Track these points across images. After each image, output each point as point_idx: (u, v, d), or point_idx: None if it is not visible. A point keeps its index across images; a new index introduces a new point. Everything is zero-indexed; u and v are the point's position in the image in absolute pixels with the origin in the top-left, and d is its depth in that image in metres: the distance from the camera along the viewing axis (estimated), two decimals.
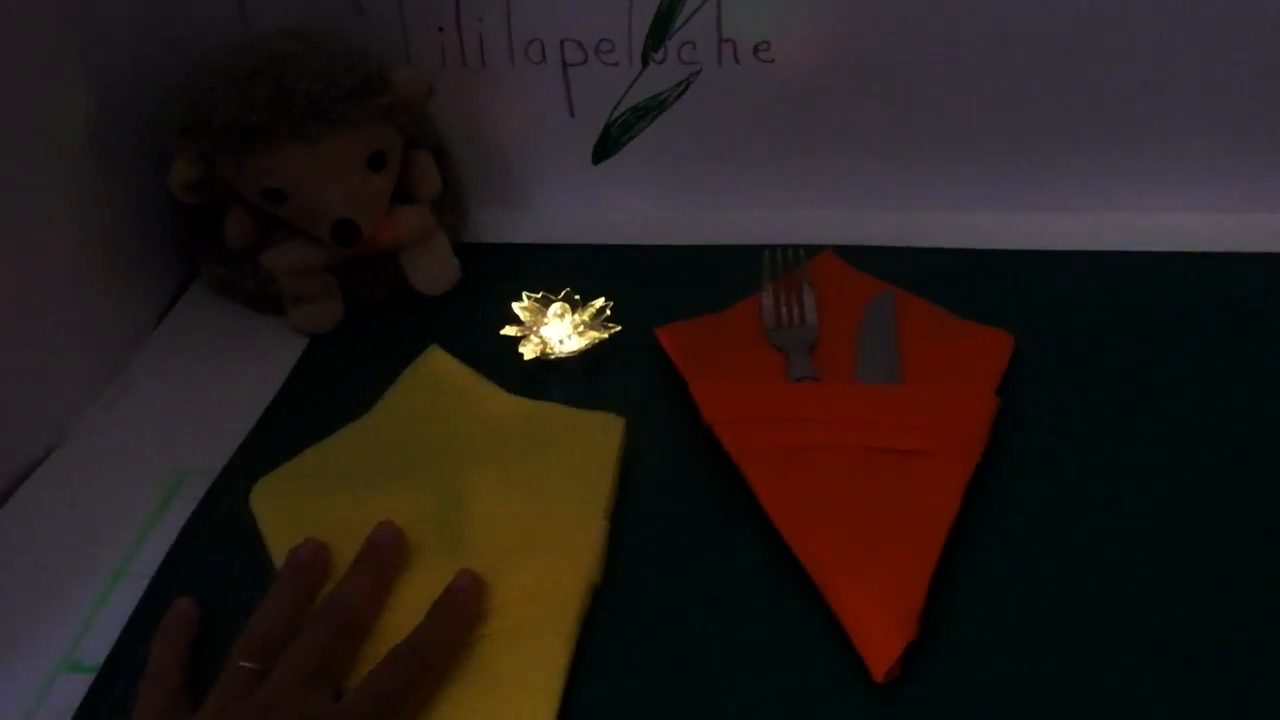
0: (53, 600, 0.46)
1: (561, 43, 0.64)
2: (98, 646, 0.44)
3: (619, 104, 0.66)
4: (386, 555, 0.45)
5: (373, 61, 0.57)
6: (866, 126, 0.64)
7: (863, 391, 0.52)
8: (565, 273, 0.61)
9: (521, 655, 0.42)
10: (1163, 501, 0.47)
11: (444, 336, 0.58)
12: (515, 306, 0.57)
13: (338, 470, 0.50)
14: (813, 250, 0.62)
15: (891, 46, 0.61)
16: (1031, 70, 0.61)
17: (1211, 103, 0.61)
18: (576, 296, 0.57)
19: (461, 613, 0.43)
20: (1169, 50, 0.60)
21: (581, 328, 0.56)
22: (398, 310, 0.61)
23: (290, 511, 0.49)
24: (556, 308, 0.56)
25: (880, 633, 0.41)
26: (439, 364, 0.55)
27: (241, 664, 0.40)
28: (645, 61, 0.64)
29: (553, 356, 0.55)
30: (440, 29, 0.64)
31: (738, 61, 0.63)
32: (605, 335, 0.56)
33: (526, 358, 0.55)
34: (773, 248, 0.62)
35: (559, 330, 0.56)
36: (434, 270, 0.62)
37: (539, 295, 0.57)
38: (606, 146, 0.68)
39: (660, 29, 0.63)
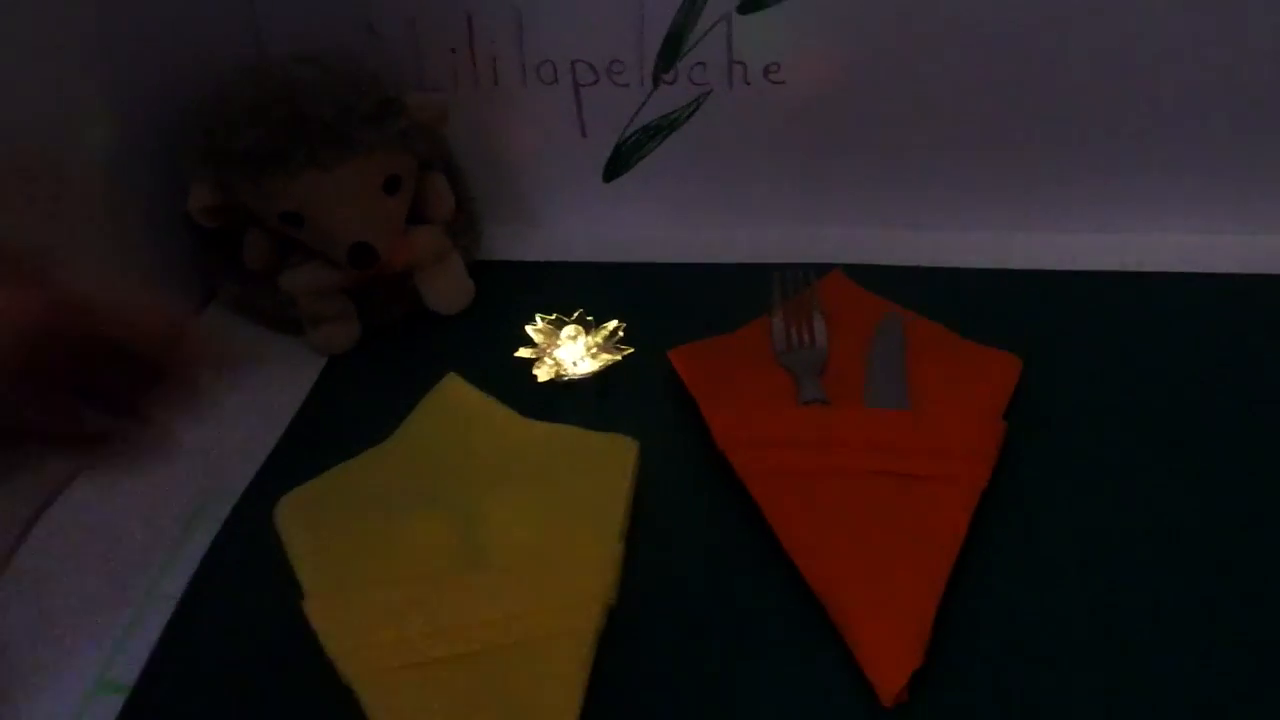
0: (86, 622, 0.48)
1: (573, 63, 0.65)
2: (131, 666, 0.45)
3: (630, 124, 0.67)
4: None
5: (387, 86, 0.59)
6: (875, 147, 0.65)
7: (871, 416, 0.53)
8: (577, 291, 0.62)
9: (539, 673, 0.43)
10: (1169, 524, 0.48)
11: (459, 356, 0.59)
12: (529, 329, 0.58)
13: (359, 491, 0.52)
14: (822, 269, 0.63)
15: (899, 69, 0.62)
16: (1038, 94, 0.62)
17: (1220, 125, 0.62)
18: (589, 318, 0.58)
19: None
20: (1172, 75, 0.61)
21: (595, 350, 0.57)
22: (413, 330, 0.63)
23: (313, 529, 0.50)
24: (570, 330, 0.57)
25: (888, 658, 0.42)
26: (457, 391, 0.57)
27: None
28: (656, 82, 0.65)
29: (566, 378, 0.56)
30: (453, 50, 0.66)
31: (748, 83, 0.64)
32: (618, 357, 0.57)
33: (541, 380, 0.56)
34: (782, 269, 0.63)
35: (572, 353, 0.57)
36: (448, 290, 0.63)
37: (552, 317, 0.58)
38: (617, 165, 0.69)
39: (671, 50, 0.64)
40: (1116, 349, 0.58)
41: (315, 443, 0.56)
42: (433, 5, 0.64)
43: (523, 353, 0.57)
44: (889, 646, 0.43)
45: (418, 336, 0.62)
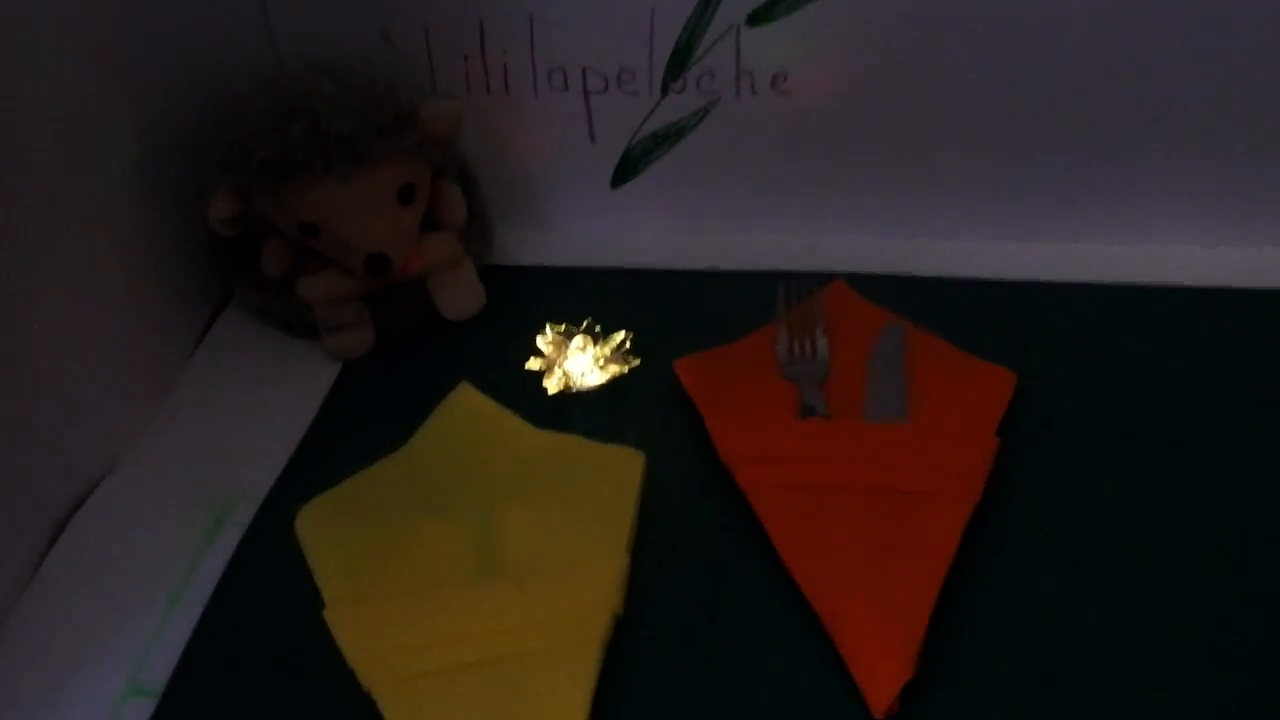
0: (114, 627, 0.50)
1: (584, 71, 0.66)
2: (159, 671, 0.48)
3: (639, 131, 0.68)
4: None
5: (403, 98, 0.60)
6: (880, 157, 0.66)
7: (869, 432, 0.54)
8: (585, 297, 0.64)
9: (549, 680, 0.46)
10: (1162, 540, 0.50)
11: (470, 362, 0.61)
12: (539, 341, 0.59)
13: (376, 500, 0.54)
14: (825, 278, 0.65)
15: (903, 83, 0.63)
16: (1041, 106, 0.63)
17: (1221, 139, 0.63)
18: (598, 328, 0.60)
19: None
20: (1175, 88, 0.62)
21: (602, 361, 0.58)
22: (426, 336, 0.64)
23: (333, 538, 0.52)
24: (578, 341, 0.59)
25: (880, 669, 0.44)
26: (469, 400, 0.59)
27: None
28: (665, 91, 0.66)
29: (575, 389, 0.58)
30: (466, 58, 0.67)
31: (755, 93, 0.65)
32: (625, 369, 0.59)
33: (551, 392, 0.58)
34: (786, 279, 0.64)
35: (581, 364, 0.58)
36: (460, 297, 0.65)
37: (561, 328, 0.60)
38: (626, 171, 0.70)
39: (680, 60, 0.65)
40: (1114, 362, 0.59)
41: (332, 446, 0.58)
42: (446, 13, 0.65)
43: (532, 364, 0.59)
44: (881, 658, 0.45)
45: (430, 342, 0.64)
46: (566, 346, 0.59)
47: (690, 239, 0.70)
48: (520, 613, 0.48)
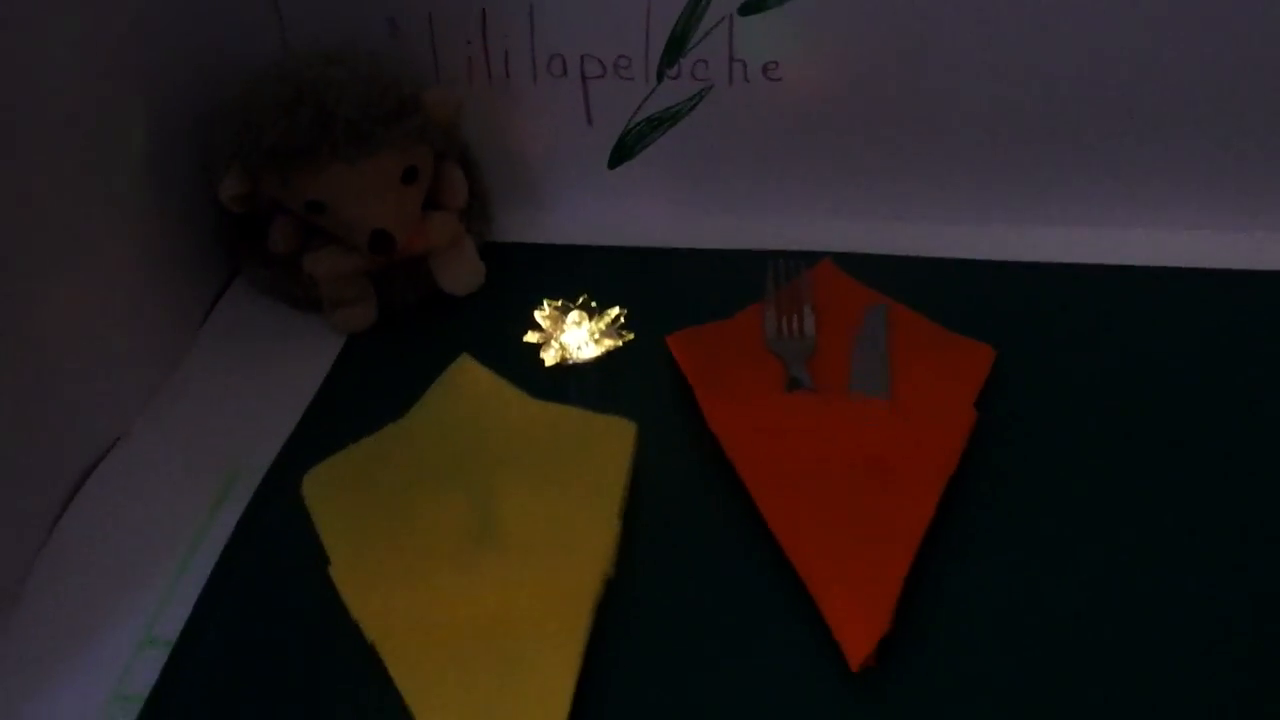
0: (129, 582, 0.52)
1: (582, 58, 0.68)
2: (173, 623, 0.50)
3: (635, 116, 0.70)
4: None
5: (406, 85, 0.62)
6: (866, 142, 0.69)
7: (852, 406, 0.57)
8: (582, 274, 0.66)
9: (543, 636, 0.48)
10: (1129, 500, 0.53)
11: (471, 336, 0.63)
12: (536, 315, 0.62)
13: (379, 467, 0.56)
14: (813, 257, 0.67)
15: (888, 73, 0.66)
16: (1025, 91, 0.65)
17: (1195, 121, 0.65)
18: (593, 304, 0.62)
19: None
20: (1157, 70, 0.64)
21: (597, 335, 0.61)
22: (427, 311, 0.67)
23: (339, 500, 0.55)
24: (574, 315, 0.61)
25: (857, 626, 0.47)
26: (469, 372, 0.61)
27: None
28: (660, 77, 0.68)
29: (571, 362, 0.61)
30: (468, 42, 0.69)
31: (747, 80, 0.67)
32: (619, 343, 0.61)
33: (548, 364, 0.60)
34: (775, 258, 0.66)
35: (577, 337, 0.61)
36: (461, 273, 0.67)
37: (559, 303, 0.62)
38: (622, 153, 0.72)
39: (675, 48, 0.67)
40: (1088, 340, 0.62)
41: (336, 416, 0.60)
42: (449, 2, 0.67)
43: (530, 337, 0.61)
44: (858, 616, 0.47)
45: (432, 317, 0.66)
46: (563, 321, 0.61)
47: (683, 219, 0.72)
48: (516, 572, 0.50)
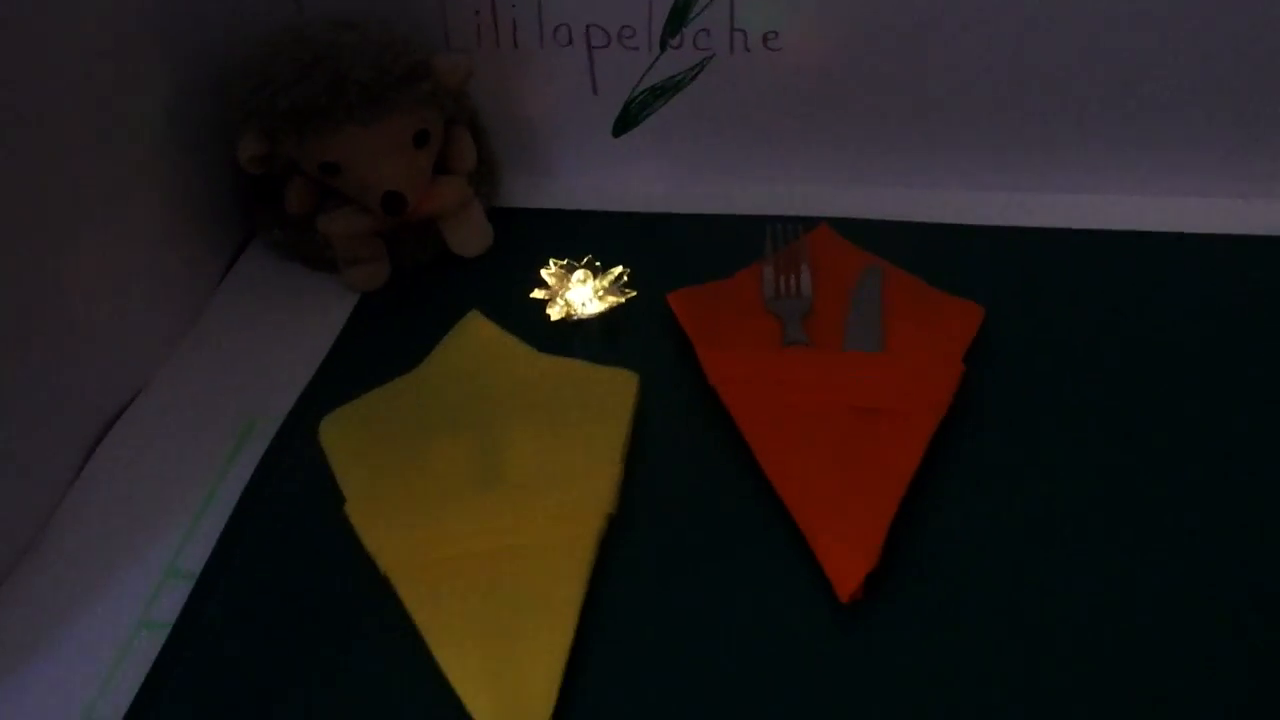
0: (152, 521, 0.55)
1: (587, 28, 0.71)
2: (196, 557, 0.53)
3: (638, 84, 0.72)
4: None
5: (418, 50, 0.64)
6: (862, 110, 0.71)
7: (846, 358, 0.59)
8: (587, 237, 0.68)
9: (548, 568, 0.50)
10: (1106, 453, 0.55)
11: (479, 295, 0.66)
12: (543, 273, 0.64)
13: (393, 414, 0.58)
14: (810, 222, 0.69)
15: (885, 43, 0.68)
16: (1022, 58, 0.67)
17: (1191, 89, 0.67)
18: (597, 263, 0.65)
19: None
20: (1155, 38, 0.66)
21: (601, 292, 0.63)
22: (437, 271, 0.69)
23: (353, 444, 0.57)
24: (579, 274, 0.64)
25: (846, 561, 0.49)
26: (478, 326, 0.63)
27: None
28: (663, 47, 0.71)
29: (576, 318, 0.63)
30: (477, 12, 0.71)
31: (748, 49, 0.70)
32: (622, 300, 0.63)
33: (553, 319, 0.63)
34: (774, 221, 0.69)
35: (581, 294, 0.63)
36: (470, 235, 0.69)
37: (564, 262, 0.64)
38: (626, 121, 0.74)
39: (677, 18, 0.69)
40: (1078, 302, 0.64)
41: (350, 369, 0.63)
42: None
43: (537, 294, 0.64)
44: (847, 551, 0.49)
45: (442, 277, 0.69)
46: (568, 278, 0.64)
47: (685, 185, 0.75)
48: (523, 509, 0.53)
